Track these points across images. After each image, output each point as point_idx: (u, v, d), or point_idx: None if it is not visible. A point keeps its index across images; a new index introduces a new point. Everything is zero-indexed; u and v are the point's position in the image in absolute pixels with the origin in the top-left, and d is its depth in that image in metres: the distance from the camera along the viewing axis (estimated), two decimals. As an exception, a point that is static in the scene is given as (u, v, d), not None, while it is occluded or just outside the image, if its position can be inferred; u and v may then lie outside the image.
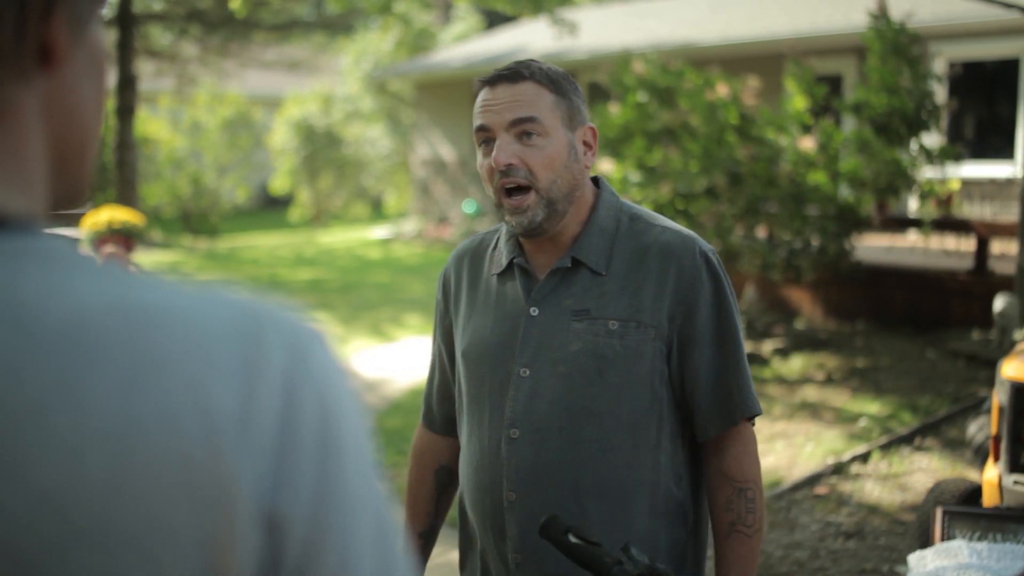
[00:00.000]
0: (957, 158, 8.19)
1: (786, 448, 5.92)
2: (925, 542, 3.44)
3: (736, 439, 1.82)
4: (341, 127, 19.90)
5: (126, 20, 15.79)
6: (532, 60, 1.83)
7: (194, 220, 18.45)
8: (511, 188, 1.76)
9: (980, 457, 4.77)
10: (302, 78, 21.82)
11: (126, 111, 15.87)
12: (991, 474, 3.77)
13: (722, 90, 7.67)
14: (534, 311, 1.82)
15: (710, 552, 1.88)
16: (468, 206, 15.32)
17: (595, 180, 1.90)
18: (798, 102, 7.71)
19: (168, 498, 0.61)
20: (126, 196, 15.24)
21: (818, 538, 4.70)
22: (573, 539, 1.59)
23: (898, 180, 7.78)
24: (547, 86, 1.78)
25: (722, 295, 1.81)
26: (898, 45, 7.68)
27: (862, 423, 6.26)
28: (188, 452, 0.61)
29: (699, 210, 7.52)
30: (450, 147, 16.45)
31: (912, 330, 8.30)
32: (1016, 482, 3.67)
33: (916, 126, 7.72)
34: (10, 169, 0.66)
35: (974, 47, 10.99)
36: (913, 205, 9.48)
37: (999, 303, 7.14)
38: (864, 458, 5.67)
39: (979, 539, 2.95)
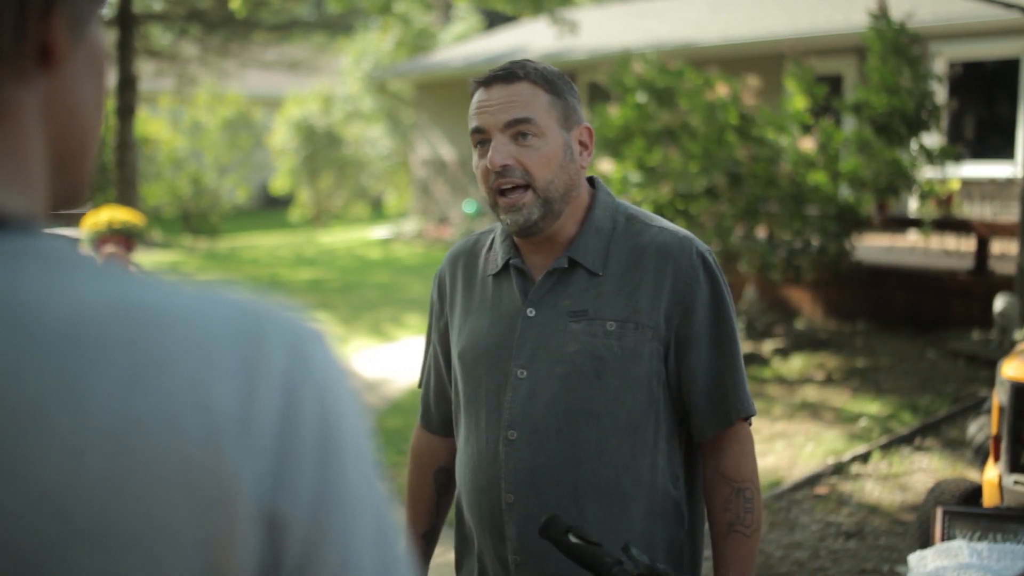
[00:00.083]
0: (957, 158, 8.19)
1: (786, 448, 5.92)
2: (925, 542, 3.44)
3: (733, 439, 1.81)
4: (341, 127, 19.90)
5: (126, 20, 15.79)
6: (527, 60, 1.82)
7: (194, 220, 18.45)
8: (507, 187, 1.76)
9: (980, 457, 4.77)
10: (302, 78, 21.83)
11: (126, 111, 15.88)
12: (991, 474, 3.77)
13: (722, 90, 7.67)
14: (531, 312, 1.81)
15: (707, 552, 1.88)
16: (468, 206, 15.32)
17: (591, 180, 1.89)
18: (798, 102, 7.71)
19: (168, 498, 0.61)
20: (126, 196, 15.25)
21: (818, 538, 4.70)
22: (573, 539, 1.59)
23: (898, 180, 7.78)
24: (542, 86, 1.77)
25: (719, 296, 1.81)
26: (898, 45, 7.68)
27: (862, 423, 6.26)
28: (188, 452, 0.61)
29: (699, 210, 7.52)
30: (450, 147, 16.45)
31: (912, 330, 8.30)
32: (1016, 482, 3.67)
33: (916, 126, 7.72)
34: (10, 169, 0.66)
35: (974, 47, 10.99)
36: (913, 205, 9.48)
37: (999, 303, 7.14)
38: (864, 458, 5.67)
39: (979, 539, 2.95)
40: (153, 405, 0.61)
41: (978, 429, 4.91)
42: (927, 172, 8.31)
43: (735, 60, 11.46)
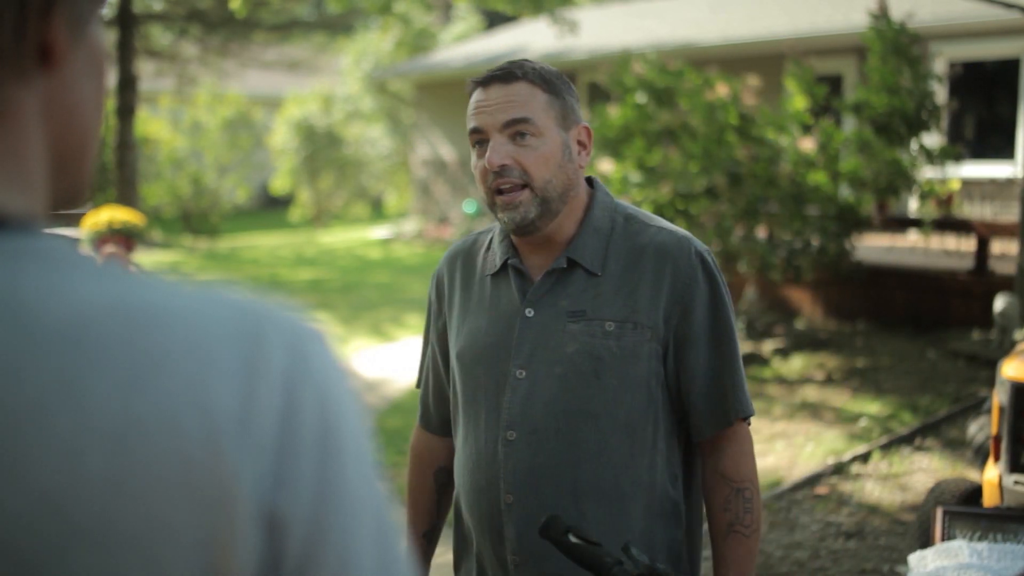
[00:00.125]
0: (957, 158, 8.19)
1: (786, 448, 5.92)
2: (925, 542, 3.44)
3: (732, 439, 1.81)
4: (341, 127, 19.90)
5: (126, 20, 15.79)
6: (525, 60, 1.82)
7: (194, 220, 18.45)
8: (505, 187, 1.76)
9: (980, 457, 4.77)
10: (302, 78, 21.83)
11: (126, 111, 15.88)
12: (991, 474, 3.77)
13: (722, 90, 7.67)
14: (529, 312, 1.81)
15: (707, 552, 1.88)
16: (468, 206, 15.32)
17: (589, 180, 1.89)
18: (798, 102, 7.71)
19: (168, 498, 0.61)
20: (126, 196, 15.25)
21: (818, 538, 4.70)
22: (573, 539, 1.59)
23: (898, 180, 7.78)
24: (540, 86, 1.77)
25: (718, 296, 1.80)
26: (898, 45, 7.68)
27: (862, 423, 6.26)
28: (188, 452, 0.61)
29: (699, 210, 7.52)
30: (450, 147, 16.45)
31: (912, 330, 8.30)
32: (1016, 482, 3.67)
33: (916, 126, 7.72)
34: (10, 169, 0.66)
35: (974, 47, 10.98)
36: (913, 205, 9.48)
37: (999, 303, 7.14)
38: (864, 458, 5.67)
39: (979, 539, 2.95)
40: (153, 405, 0.61)
41: (978, 429, 4.91)
42: (927, 172, 8.31)
43: (735, 60, 11.46)
